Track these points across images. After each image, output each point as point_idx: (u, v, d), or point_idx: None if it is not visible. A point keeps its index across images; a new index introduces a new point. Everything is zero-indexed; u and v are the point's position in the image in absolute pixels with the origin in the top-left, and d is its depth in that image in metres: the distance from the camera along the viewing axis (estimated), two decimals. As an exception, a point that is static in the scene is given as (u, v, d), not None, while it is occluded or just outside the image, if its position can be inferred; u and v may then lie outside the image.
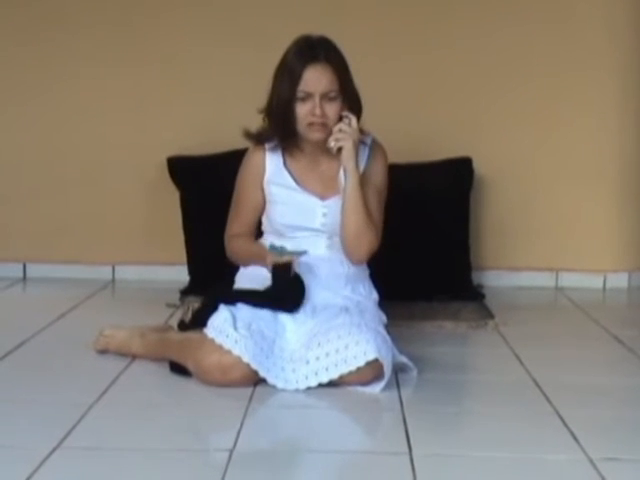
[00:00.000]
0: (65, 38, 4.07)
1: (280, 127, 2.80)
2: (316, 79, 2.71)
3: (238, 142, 3.09)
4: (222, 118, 3.96)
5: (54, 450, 2.10)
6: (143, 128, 4.09)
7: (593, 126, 4.09)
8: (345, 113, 2.75)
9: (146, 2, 4.06)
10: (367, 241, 2.79)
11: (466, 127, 4.06)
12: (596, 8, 4.04)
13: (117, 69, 4.08)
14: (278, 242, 2.79)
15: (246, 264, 2.90)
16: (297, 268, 2.69)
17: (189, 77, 4.07)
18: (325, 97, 2.72)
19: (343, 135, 2.73)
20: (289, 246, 2.75)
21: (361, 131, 2.83)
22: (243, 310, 2.63)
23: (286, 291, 2.68)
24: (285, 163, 2.88)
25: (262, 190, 2.89)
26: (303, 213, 2.84)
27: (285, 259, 2.68)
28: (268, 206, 2.89)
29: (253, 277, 2.83)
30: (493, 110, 4.07)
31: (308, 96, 2.72)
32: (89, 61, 4.08)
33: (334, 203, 2.82)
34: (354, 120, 2.75)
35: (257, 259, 2.82)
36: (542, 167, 4.10)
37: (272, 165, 2.88)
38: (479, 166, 3.93)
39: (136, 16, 4.06)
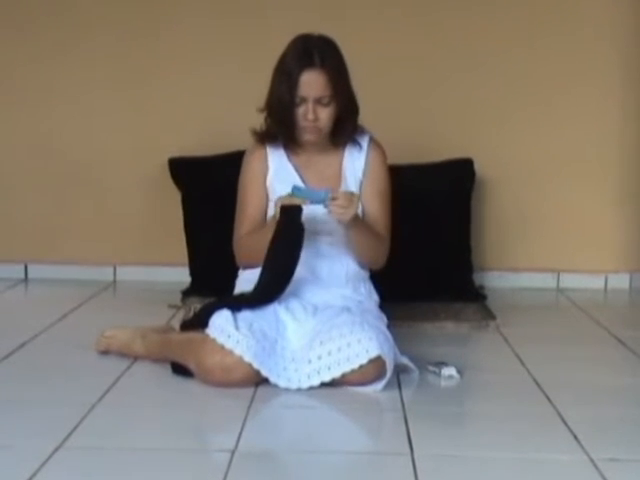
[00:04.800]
0: (67, 39, 4.08)
1: (281, 127, 2.83)
2: (310, 84, 2.74)
3: (240, 143, 3.10)
4: (224, 119, 3.97)
5: (56, 450, 2.10)
6: (145, 129, 4.10)
7: (594, 128, 4.09)
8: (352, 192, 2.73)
9: (148, 5, 4.07)
10: (382, 255, 2.91)
11: (467, 128, 4.07)
12: (598, 10, 4.04)
13: (119, 70, 4.08)
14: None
15: (260, 252, 2.73)
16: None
17: (191, 78, 4.07)
18: (319, 102, 2.76)
19: (343, 211, 2.68)
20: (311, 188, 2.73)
21: (359, 129, 2.89)
22: (244, 310, 2.64)
23: (289, 234, 2.66)
24: (289, 158, 2.90)
25: (265, 188, 2.90)
26: (305, 210, 2.83)
27: (295, 202, 2.65)
28: (270, 206, 2.89)
29: (253, 281, 2.81)
30: (494, 111, 4.08)
31: (302, 100, 2.76)
32: (91, 62, 4.08)
33: None
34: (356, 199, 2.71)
35: (269, 230, 2.75)
36: (543, 168, 4.10)
37: (275, 161, 2.90)
38: (480, 167, 3.93)
39: (138, 18, 4.06)
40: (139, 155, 4.09)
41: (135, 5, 4.06)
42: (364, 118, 2.92)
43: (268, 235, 2.71)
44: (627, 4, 4.04)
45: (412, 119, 4.02)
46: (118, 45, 4.07)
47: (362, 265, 2.92)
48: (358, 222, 2.75)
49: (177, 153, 3.96)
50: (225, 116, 3.97)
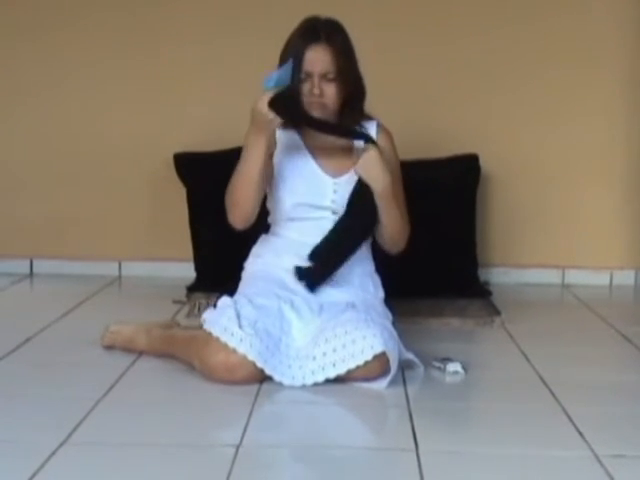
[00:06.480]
0: (71, 35, 4.08)
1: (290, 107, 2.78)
2: (315, 59, 2.73)
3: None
4: (229, 114, 3.96)
5: (61, 445, 2.11)
6: (150, 124, 4.10)
7: (600, 123, 4.08)
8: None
9: (153, 2, 4.07)
10: (405, 237, 2.88)
11: (473, 124, 4.06)
12: (603, 5, 4.03)
13: (124, 66, 4.08)
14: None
15: (243, 181, 2.75)
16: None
17: (196, 73, 4.07)
18: (324, 78, 2.74)
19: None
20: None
21: (366, 116, 2.87)
22: (248, 308, 2.63)
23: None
24: (302, 140, 2.87)
25: (272, 162, 2.83)
26: (314, 188, 2.81)
27: (274, 91, 2.65)
28: (276, 185, 2.83)
29: (259, 276, 2.81)
30: (500, 107, 4.07)
31: (308, 76, 2.74)
32: (96, 58, 4.09)
33: (345, 181, 2.81)
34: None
35: (245, 154, 2.74)
36: (549, 164, 4.10)
37: (286, 139, 2.85)
38: (486, 163, 3.92)
39: (142, 13, 4.07)
40: (144, 150, 4.09)
41: (141, 3, 4.07)
42: (371, 111, 2.92)
43: (247, 155, 2.72)
44: (635, 4, 4.03)
45: (418, 114, 4.02)
46: (123, 40, 4.07)
47: (390, 251, 2.89)
48: (390, 192, 2.76)
49: (182, 148, 3.96)
50: (230, 111, 3.96)
